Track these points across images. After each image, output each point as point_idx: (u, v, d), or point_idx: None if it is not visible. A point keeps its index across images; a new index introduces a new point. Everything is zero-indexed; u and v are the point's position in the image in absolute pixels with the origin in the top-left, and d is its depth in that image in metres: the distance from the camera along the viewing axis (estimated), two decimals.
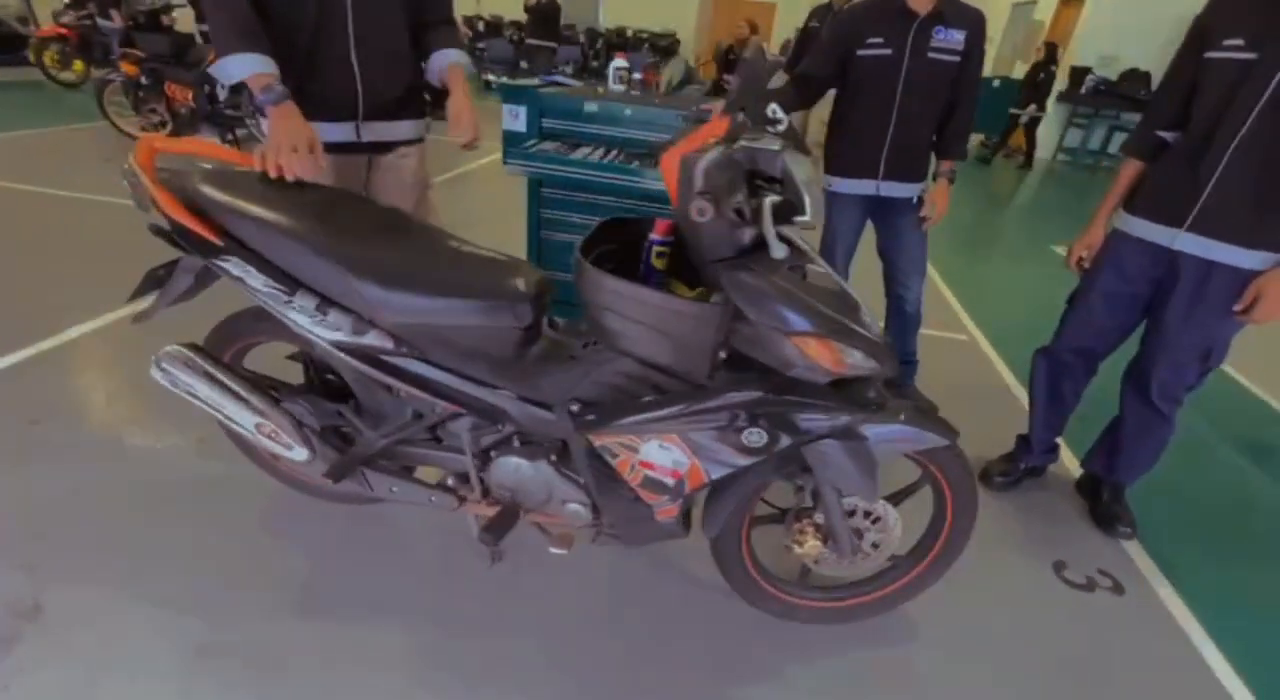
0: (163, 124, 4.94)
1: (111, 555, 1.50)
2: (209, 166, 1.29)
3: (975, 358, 3.02)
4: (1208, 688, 1.49)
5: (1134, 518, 1.91)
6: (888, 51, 1.97)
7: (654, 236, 1.23)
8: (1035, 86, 8.16)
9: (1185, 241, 1.59)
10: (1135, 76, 8.31)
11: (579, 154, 2.20)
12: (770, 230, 0.88)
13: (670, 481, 1.18)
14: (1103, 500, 1.97)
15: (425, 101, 1.73)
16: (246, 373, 1.42)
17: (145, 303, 1.34)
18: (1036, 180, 7.84)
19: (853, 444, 1.17)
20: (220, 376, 1.34)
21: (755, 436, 1.09)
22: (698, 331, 1.03)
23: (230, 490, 1.71)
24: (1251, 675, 1.51)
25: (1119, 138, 8.29)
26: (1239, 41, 1.48)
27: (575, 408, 1.20)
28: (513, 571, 1.57)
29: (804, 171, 0.94)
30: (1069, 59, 8.62)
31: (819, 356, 1.01)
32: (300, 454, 1.35)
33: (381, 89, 1.57)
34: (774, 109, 0.98)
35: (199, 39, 5.22)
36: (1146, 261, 1.68)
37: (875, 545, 1.38)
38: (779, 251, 0.88)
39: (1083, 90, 8.49)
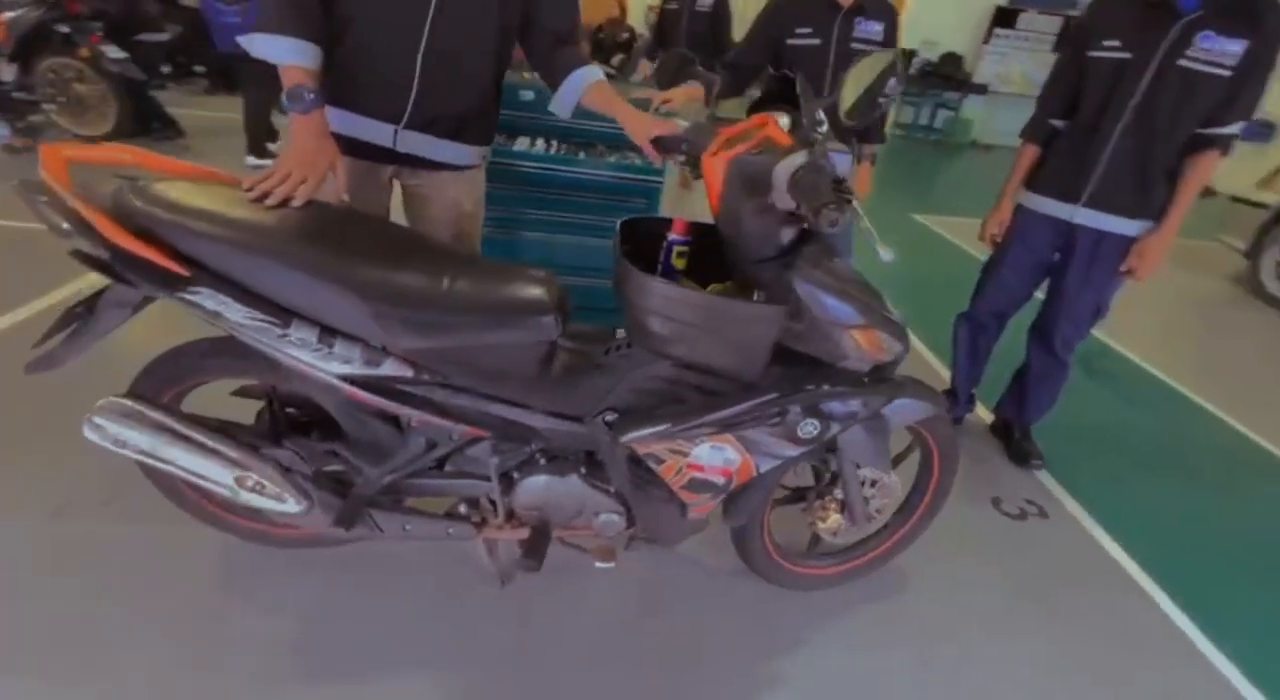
0: None
1: (42, 653, 1.23)
2: (132, 177, 1.06)
3: None
4: (1124, 583, 1.81)
5: (1041, 451, 2.23)
6: (816, 41, 2.07)
7: (673, 236, 1.22)
8: None
9: (1082, 215, 1.86)
10: (952, 59, 9.41)
11: (518, 145, 2.08)
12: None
13: (720, 481, 1.19)
14: (1014, 439, 2.28)
15: (490, 130, 1.53)
16: (209, 420, 1.21)
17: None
18: (880, 153, 8.63)
19: (876, 422, 1.25)
20: (180, 428, 1.13)
21: (810, 427, 1.13)
22: (759, 332, 1.05)
23: (167, 553, 1.46)
24: (1155, 567, 1.85)
25: (943, 114, 9.37)
26: (1116, 42, 1.74)
27: (611, 418, 1.17)
28: (525, 589, 1.50)
29: (850, 170, 0.98)
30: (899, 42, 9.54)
31: (869, 346, 1.07)
32: (294, 505, 1.18)
33: (438, 102, 1.35)
34: (819, 113, 1.01)
35: None
36: (1049, 233, 1.95)
37: (879, 510, 1.50)
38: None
39: (911, 71, 9.47)
